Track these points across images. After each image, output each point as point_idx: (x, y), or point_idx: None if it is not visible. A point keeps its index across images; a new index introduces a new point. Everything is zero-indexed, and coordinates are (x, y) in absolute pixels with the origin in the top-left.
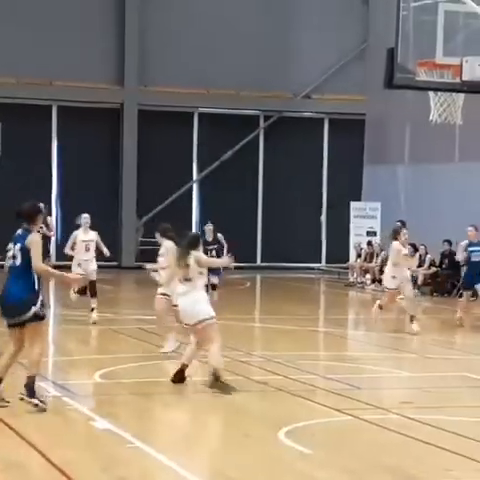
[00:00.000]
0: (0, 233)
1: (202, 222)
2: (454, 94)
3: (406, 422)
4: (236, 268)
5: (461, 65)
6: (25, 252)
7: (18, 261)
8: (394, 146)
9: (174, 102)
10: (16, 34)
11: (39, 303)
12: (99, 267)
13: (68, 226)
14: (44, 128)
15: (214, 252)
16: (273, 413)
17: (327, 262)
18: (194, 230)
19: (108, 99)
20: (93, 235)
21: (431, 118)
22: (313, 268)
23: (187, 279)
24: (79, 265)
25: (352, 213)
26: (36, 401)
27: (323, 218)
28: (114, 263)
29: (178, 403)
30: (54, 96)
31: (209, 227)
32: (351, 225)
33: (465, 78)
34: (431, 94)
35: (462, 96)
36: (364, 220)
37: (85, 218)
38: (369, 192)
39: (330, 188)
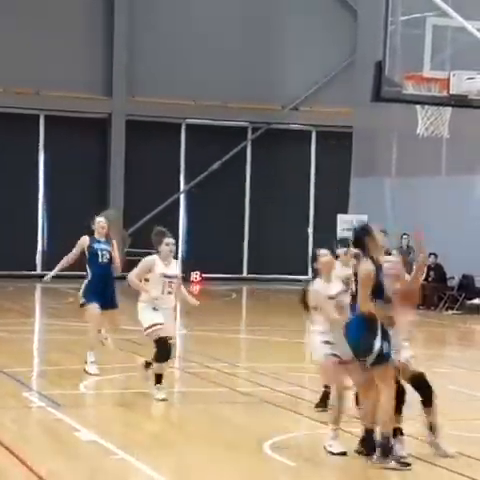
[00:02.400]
0: None
1: (189, 233)
2: (441, 108)
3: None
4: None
5: (448, 79)
6: None
7: None
8: (381, 159)
9: (162, 113)
10: (4, 43)
11: None
12: (84, 277)
13: (54, 236)
14: (31, 138)
15: None
16: (258, 425)
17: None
18: (180, 241)
19: (96, 109)
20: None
21: (418, 131)
22: (300, 280)
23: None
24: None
25: (339, 226)
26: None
27: (310, 230)
28: None
29: (163, 415)
30: (41, 106)
31: None
32: (338, 237)
33: (452, 92)
34: (418, 108)
35: (449, 110)
36: (351, 232)
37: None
38: (356, 204)
39: (317, 200)
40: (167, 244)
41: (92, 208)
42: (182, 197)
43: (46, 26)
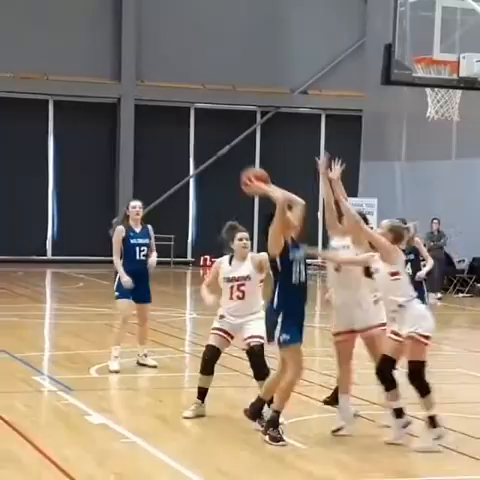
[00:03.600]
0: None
1: (199, 217)
2: (451, 91)
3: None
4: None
5: (458, 62)
6: None
7: None
8: (391, 143)
9: (171, 97)
10: (12, 29)
11: None
12: (94, 262)
13: (65, 221)
14: (40, 123)
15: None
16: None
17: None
18: (190, 225)
19: (105, 94)
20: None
21: (428, 115)
22: (309, 264)
23: None
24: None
25: None
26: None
27: (319, 214)
28: (110, 258)
29: (173, 398)
30: (50, 91)
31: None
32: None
33: (462, 75)
34: (428, 91)
35: (459, 93)
36: None
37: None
38: (366, 188)
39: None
40: (240, 239)
41: (101, 193)
42: (192, 181)
43: (55, 10)
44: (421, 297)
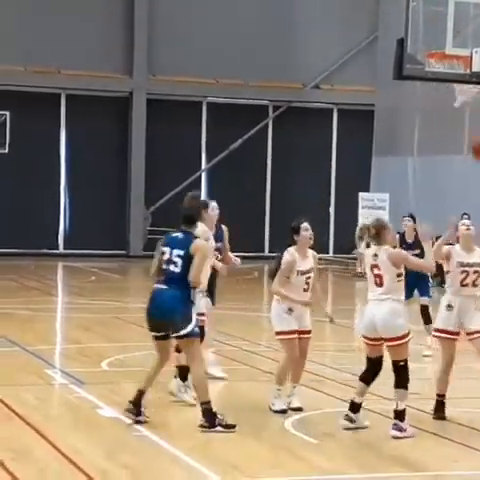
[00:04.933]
0: (13, 214)
1: None
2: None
3: (413, 413)
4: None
5: (471, 56)
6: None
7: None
8: (403, 137)
9: (183, 91)
10: (25, 23)
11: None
12: (106, 256)
13: (76, 214)
14: (52, 117)
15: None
16: None
17: (334, 253)
18: None
19: (117, 88)
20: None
21: (456, 105)
22: (320, 258)
23: None
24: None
25: (360, 204)
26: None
27: (331, 209)
28: (122, 252)
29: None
30: (63, 85)
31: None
32: (359, 216)
33: (475, 69)
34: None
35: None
36: (372, 211)
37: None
38: (377, 183)
39: (338, 179)
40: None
41: (113, 187)
42: (203, 175)
43: (66, 4)
44: (426, 291)
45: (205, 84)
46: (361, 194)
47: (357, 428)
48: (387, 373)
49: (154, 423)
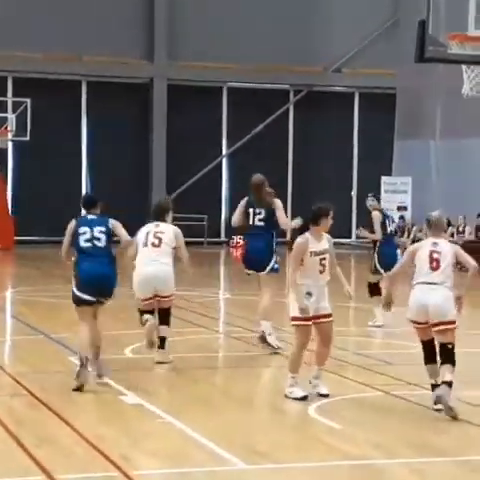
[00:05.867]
0: (35, 201)
1: (231, 197)
2: None
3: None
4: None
5: None
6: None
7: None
8: (425, 120)
9: (203, 77)
10: (45, 10)
11: None
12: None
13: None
14: (74, 103)
15: None
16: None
17: (357, 237)
18: (223, 205)
19: (137, 74)
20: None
21: (463, 91)
22: (343, 243)
23: None
24: None
25: (383, 188)
26: None
27: (353, 193)
28: None
29: (209, 378)
30: (83, 71)
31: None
32: (381, 200)
33: None
34: (464, 67)
35: None
36: (395, 195)
37: None
38: (400, 167)
39: (360, 162)
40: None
41: (135, 173)
42: (224, 161)
43: None
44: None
45: (225, 69)
46: (383, 178)
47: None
48: (414, 359)
49: (178, 410)
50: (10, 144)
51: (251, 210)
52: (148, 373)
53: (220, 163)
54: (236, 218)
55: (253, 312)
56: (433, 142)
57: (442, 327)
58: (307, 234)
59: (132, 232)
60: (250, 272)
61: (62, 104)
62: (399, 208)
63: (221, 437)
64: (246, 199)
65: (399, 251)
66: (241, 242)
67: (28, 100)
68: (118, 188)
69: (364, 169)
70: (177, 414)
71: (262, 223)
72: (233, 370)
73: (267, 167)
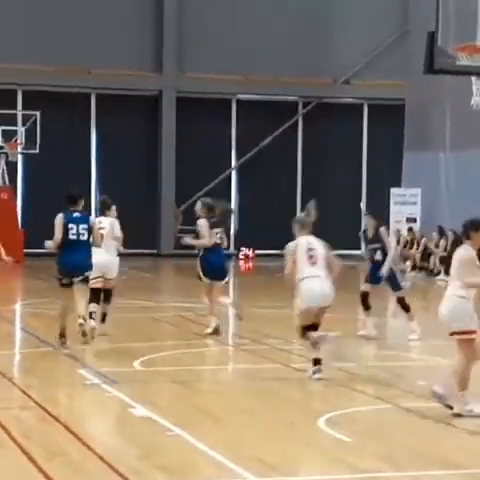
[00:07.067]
0: (45, 214)
1: (241, 209)
2: None
3: (448, 411)
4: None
5: None
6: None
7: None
8: (435, 132)
9: (212, 89)
10: (54, 23)
11: None
12: (138, 255)
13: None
14: (83, 116)
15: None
16: (313, 401)
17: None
18: (232, 216)
19: (146, 86)
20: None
21: (472, 103)
22: (353, 255)
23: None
24: None
25: (392, 199)
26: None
27: (362, 204)
28: (153, 251)
29: (218, 391)
30: (93, 84)
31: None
32: (391, 211)
33: None
34: (473, 79)
35: None
36: (404, 206)
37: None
38: (409, 178)
39: (369, 174)
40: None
41: (144, 185)
42: (234, 173)
43: (96, 4)
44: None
45: (234, 81)
46: (392, 189)
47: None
48: (424, 372)
49: (187, 422)
50: (20, 157)
51: None
52: (157, 385)
53: (229, 175)
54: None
55: (262, 324)
56: (442, 154)
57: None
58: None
59: (135, 245)
60: None
61: (71, 117)
62: (408, 220)
63: (230, 450)
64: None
65: (409, 263)
66: (251, 254)
67: (37, 113)
68: (127, 201)
69: (373, 180)
70: (186, 426)
71: None
72: (243, 382)
73: (276, 179)
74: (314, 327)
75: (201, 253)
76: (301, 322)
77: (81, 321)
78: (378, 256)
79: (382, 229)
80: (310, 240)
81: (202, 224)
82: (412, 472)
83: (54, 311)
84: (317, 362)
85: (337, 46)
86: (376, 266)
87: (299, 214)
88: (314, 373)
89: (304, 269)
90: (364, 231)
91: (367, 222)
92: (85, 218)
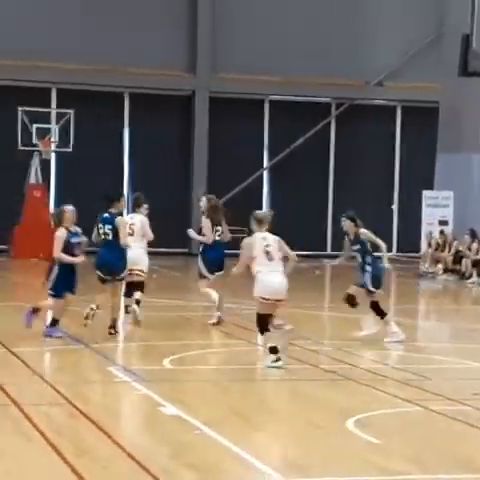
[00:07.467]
0: (78, 212)
1: (273, 210)
2: None
3: (478, 414)
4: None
5: None
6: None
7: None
8: (468, 134)
9: (245, 89)
10: (90, 22)
11: None
12: (168, 254)
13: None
14: (116, 115)
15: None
16: (341, 402)
17: (398, 251)
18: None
19: (180, 86)
20: None
21: None
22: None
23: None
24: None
25: (424, 202)
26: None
27: (394, 207)
28: (184, 250)
29: (246, 391)
30: (126, 83)
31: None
32: (423, 214)
33: None
34: None
35: None
36: (436, 209)
37: None
38: (442, 181)
39: (402, 176)
40: None
41: (176, 185)
42: (265, 174)
43: (130, 3)
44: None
45: (267, 82)
46: (425, 192)
47: None
48: (453, 374)
49: (216, 422)
50: (53, 155)
51: None
52: (186, 384)
53: (261, 176)
54: None
55: (293, 324)
56: (476, 156)
57: None
58: None
59: (167, 244)
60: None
61: (105, 116)
62: (440, 222)
63: (259, 449)
64: None
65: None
66: None
67: (71, 111)
68: (159, 200)
69: (406, 183)
70: (215, 426)
71: None
72: (272, 383)
73: (308, 180)
74: (270, 316)
75: (201, 248)
76: (258, 310)
77: (93, 306)
78: (359, 258)
79: (363, 231)
80: (266, 236)
81: (206, 224)
82: (441, 475)
83: (85, 309)
84: (274, 350)
85: (371, 48)
86: (362, 268)
87: (258, 210)
88: (276, 361)
89: (262, 264)
90: (347, 235)
91: (346, 226)
92: (110, 218)
